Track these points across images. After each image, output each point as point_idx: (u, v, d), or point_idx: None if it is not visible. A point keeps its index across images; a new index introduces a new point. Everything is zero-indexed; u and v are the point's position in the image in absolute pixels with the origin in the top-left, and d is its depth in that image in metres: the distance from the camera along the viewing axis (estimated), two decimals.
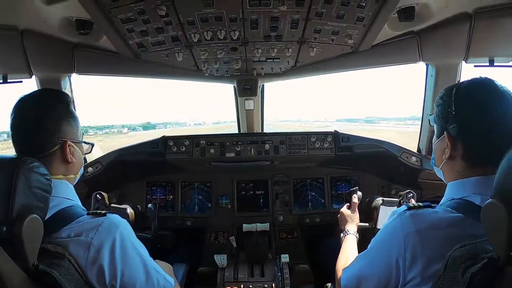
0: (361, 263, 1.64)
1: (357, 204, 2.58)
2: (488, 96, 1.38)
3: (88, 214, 1.51)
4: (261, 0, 1.93)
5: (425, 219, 1.32)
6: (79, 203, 1.63)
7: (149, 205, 2.86)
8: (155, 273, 1.65)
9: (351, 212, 2.54)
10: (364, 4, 1.98)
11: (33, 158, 1.36)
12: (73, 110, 1.68)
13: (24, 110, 1.56)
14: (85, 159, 3.23)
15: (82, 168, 1.78)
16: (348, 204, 2.65)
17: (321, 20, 2.14)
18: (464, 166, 1.42)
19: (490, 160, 1.31)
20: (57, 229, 1.41)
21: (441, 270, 1.19)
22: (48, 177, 1.38)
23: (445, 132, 1.46)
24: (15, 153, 1.56)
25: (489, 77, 1.43)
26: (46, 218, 1.38)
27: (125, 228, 1.55)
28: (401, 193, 2.68)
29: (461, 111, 1.41)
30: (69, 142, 1.59)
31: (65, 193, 1.58)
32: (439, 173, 1.61)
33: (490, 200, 1.05)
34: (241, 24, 2.16)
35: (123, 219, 1.58)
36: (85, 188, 3.08)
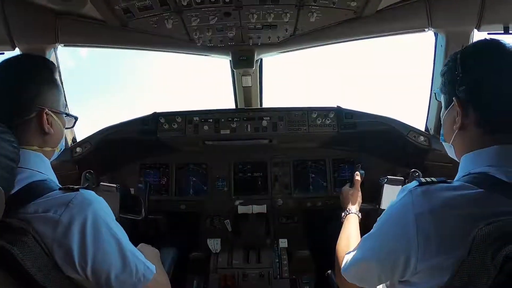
0: (365, 247, 1.46)
1: (360, 182, 2.50)
2: (496, 54, 1.27)
3: (60, 189, 1.36)
4: None
5: (440, 196, 1.15)
6: (54, 178, 1.50)
7: (139, 185, 2.74)
8: (134, 259, 1.46)
9: (354, 190, 2.46)
10: None
11: (9, 123, 1.31)
12: (57, 78, 1.58)
13: (3, 71, 1.49)
14: (74, 139, 3.11)
15: (63, 142, 1.68)
16: (350, 183, 2.56)
17: None
18: (479, 134, 1.26)
19: (508, 124, 1.21)
20: (24, 203, 1.28)
21: (463, 255, 1.03)
22: (15, 145, 1.25)
23: (454, 98, 1.31)
24: None
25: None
26: (14, 191, 1.27)
27: (100, 205, 1.40)
28: (407, 172, 2.60)
29: (469, 71, 1.27)
30: (47, 110, 1.48)
31: (38, 166, 1.46)
32: (450, 149, 1.46)
33: None
34: None
35: (99, 197, 1.43)
36: (74, 169, 2.96)
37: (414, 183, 1.25)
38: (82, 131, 3.16)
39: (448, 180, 1.22)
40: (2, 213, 1.14)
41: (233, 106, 3.34)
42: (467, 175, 1.23)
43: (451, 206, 1.11)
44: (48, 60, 1.65)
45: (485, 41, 1.34)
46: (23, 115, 1.44)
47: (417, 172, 2.59)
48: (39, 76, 1.50)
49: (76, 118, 1.74)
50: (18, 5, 2.30)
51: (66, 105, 1.66)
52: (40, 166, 1.47)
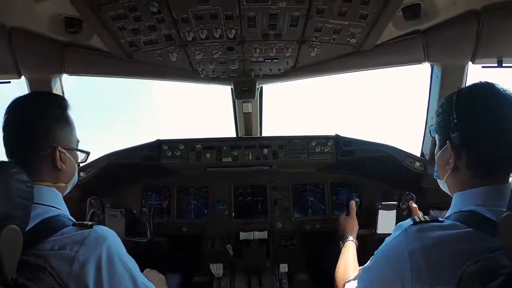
0: (364, 278, 1.57)
1: (355, 211, 2.58)
2: (490, 101, 1.32)
3: (73, 225, 1.41)
4: None
5: (432, 235, 1.24)
6: (67, 212, 1.54)
7: (144, 209, 2.80)
8: None
9: (350, 219, 2.52)
10: (368, 1, 1.87)
11: (23, 161, 1.38)
12: (69, 115, 1.62)
13: (16, 111, 1.52)
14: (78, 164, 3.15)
15: (76, 177, 1.72)
16: (347, 211, 2.61)
17: (323, 17, 2.04)
18: (470, 176, 1.35)
19: (498, 169, 1.31)
20: (41, 239, 1.31)
21: None
22: (29, 184, 1.28)
23: (447, 142, 1.39)
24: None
25: (489, 81, 1.38)
26: (29, 227, 1.30)
27: (113, 241, 1.44)
28: (400, 194, 2.69)
29: (463, 119, 1.34)
30: (59, 148, 1.53)
31: (51, 201, 1.49)
32: (443, 185, 1.54)
33: (507, 213, 1.00)
34: (237, 21, 2.05)
35: (111, 231, 1.48)
36: (77, 192, 2.98)
37: (409, 221, 1.34)
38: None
39: (440, 219, 1.31)
40: (20, 251, 1.19)
41: (234, 130, 3.39)
42: (458, 212, 1.32)
43: (442, 245, 1.20)
44: (60, 97, 1.70)
45: (479, 86, 1.40)
46: (36, 153, 1.49)
47: (410, 195, 2.66)
48: (50, 115, 1.54)
49: (88, 153, 1.77)
50: (25, 36, 2.34)
51: (79, 140, 1.70)
52: (54, 201, 1.50)
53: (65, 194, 1.64)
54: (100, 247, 1.36)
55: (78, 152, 1.69)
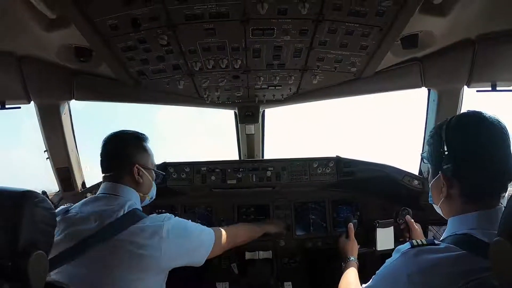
0: None
1: (353, 232, 2.61)
2: (478, 130, 1.38)
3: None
4: (265, 30, 1.90)
5: (428, 258, 1.30)
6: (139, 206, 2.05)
7: None
8: None
9: (349, 241, 2.56)
10: (368, 33, 1.96)
11: (115, 173, 2.02)
12: (146, 145, 2.15)
13: (108, 142, 2.09)
14: (83, 184, 3.21)
15: (153, 192, 2.23)
16: (346, 234, 2.64)
17: (325, 48, 2.12)
18: (463, 203, 1.42)
19: (489, 194, 1.37)
20: (128, 225, 1.79)
21: None
22: (52, 211, 1.34)
23: (440, 172, 1.46)
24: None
25: (477, 109, 1.44)
26: (121, 214, 1.82)
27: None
28: (396, 210, 2.70)
29: (454, 151, 1.41)
30: (137, 165, 2.04)
31: (134, 198, 2.01)
32: (438, 210, 1.60)
33: (498, 238, 1.05)
34: (243, 53, 2.14)
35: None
36: None
37: (407, 245, 1.40)
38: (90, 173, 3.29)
39: (436, 242, 1.37)
40: (47, 274, 1.25)
41: (237, 151, 3.46)
42: (453, 235, 1.38)
43: (437, 267, 1.26)
44: (140, 133, 2.17)
45: (467, 116, 1.46)
46: (122, 168, 2.03)
47: (406, 209, 2.68)
48: (133, 144, 2.10)
49: (163, 174, 2.36)
50: (36, 63, 2.41)
51: (155, 165, 2.23)
52: (134, 198, 2.01)
53: (143, 204, 2.13)
54: None
55: (154, 172, 2.21)
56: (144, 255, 1.74)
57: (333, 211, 3.33)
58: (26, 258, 1.15)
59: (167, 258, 1.82)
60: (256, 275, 3.08)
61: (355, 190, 3.33)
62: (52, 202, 2.92)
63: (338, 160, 3.17)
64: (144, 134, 2.19)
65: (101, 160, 2.09)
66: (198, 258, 2.07)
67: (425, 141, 2.38)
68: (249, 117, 2.88)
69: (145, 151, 2.13)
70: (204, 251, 2.08)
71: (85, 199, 2.01)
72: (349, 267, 2.29)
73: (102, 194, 1.98)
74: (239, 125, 3.11)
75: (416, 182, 3.07)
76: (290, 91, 2.71)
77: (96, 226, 1.77)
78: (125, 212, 1.84)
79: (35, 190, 1.30)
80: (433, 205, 1.63)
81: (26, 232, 1.19)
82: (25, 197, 1.23)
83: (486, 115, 1.39)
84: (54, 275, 1.67)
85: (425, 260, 1.30)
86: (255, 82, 2.49)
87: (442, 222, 1.53)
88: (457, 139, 1.41)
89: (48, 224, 1.30)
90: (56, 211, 1.71)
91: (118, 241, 1.73)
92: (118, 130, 2.16)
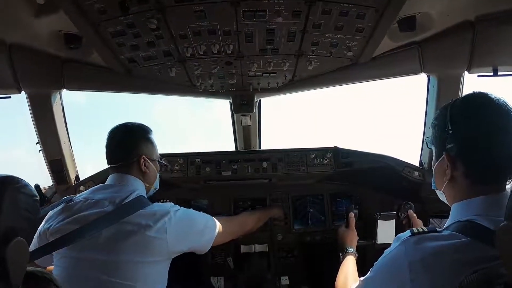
0: None
1: (354, 222, 2.55)
2: (484, 111, 1.34)
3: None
4: (256, 12, 1.85)
5: (430, 245, 1.24)
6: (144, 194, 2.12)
7: None
8: None
9: (349, 231, 2.50)
10: (363, 14, 1.90)
11: (122, 163, 2.10)
12: (151, 137, 2.24)
13: (115, 134, 2.17)
14: (77, 177, 3.18)
15: (157, 183, 2.33)
16: (346, 223, 2.58)
17: (319, 31, 2.07)
18: (467, 185, 1.36)
19: (493, 177, 1.32)
20: (135, 210, 1.87)
21: None
22: (36, 198, 1.29)
23: (444, 153, 1.41)
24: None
25: (483, 91, 1.39)
26: (128, 200, 1.91)
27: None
28: (399, 204, 2.63)
29: (458, 129, 1.36)
30: (143, 156, 2.13)
31: (139, 188, 2.09)
32: (441, 196, 1.55)
33: (504, 223, 0.98)
34: (235, 37, 2.08)
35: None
36: None
37: (407, 233, 1.34)
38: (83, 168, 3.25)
39: (438, 229, 1.31)
40: (27, 262, 1.19)
41: (233, 143, 3.40)
42: (457, 222, 1.32)
43: (440, 255, 1.20)
44: (145, 126, 2.25)
45: (473, 96, 1.41)
46: (130, 159, 2.11)
47: (409, 204, 2.62)
48: (139, 135, 2.18)
49: (166, 165, 2.56)
50: (25, 52, 2.37)
51: (160, 156, 2.31)
52: (140, 188, 2.10)
53: (148, 194, 2.20)
54: None
55: (158, 163, 2.29)
56: (151, 237, 1.82)
57: (332, 204, 3.27)
58: (5, 244, 1.10)
59: (172, 240, 1.89)
60: (252, 269, 3.04)
61: (354, 183, 3.28)
62: (45, 196, 2.91)
63: (336, 151, 3.11)
64: (148, 127, 2.27)
65: (107, 152, 2.16)
66: (203, 242, 2.13)
67: (430, 125, 2.32)
68: (243, 106, 2.82)
69: (150, 142, 2.22)
70: (208, 236, 2.15)
71: (93, 187, 2.12)
72: (347, 259, 2.23)
73: (110, 184, 2.09)
74: (234, 115, 3.06)
75: (416, 173, 3.00)
76: (285, 78, 2.64)
77: (110, 208, 1.89)
78: (133, 198, 1.95)
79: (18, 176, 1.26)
80: (436, 191, 1.57)
81: (6, 218, 1.14)
82: (6, 182, 1.19)
83: (493, 96, 1.35)
84: (58, 261, 1.84)
85: (427, 248, 1.24)
86: (249, 68, 2.43)
87: (443, 215, 1.47)
88: (462, 118, 1.36)
89: (29, 211, 1.25)
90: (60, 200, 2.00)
91: (126, 224, 1.83)
92: (122, 122, 2.23)
